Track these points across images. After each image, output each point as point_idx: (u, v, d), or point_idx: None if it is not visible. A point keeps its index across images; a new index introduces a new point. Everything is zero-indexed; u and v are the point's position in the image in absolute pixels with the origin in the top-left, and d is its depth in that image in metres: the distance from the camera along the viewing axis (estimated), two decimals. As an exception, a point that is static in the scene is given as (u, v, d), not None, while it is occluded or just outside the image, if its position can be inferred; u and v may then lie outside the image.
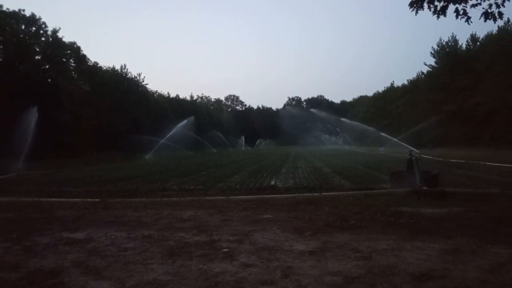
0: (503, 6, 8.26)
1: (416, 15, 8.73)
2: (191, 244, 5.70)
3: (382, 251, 5.15)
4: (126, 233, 6.50)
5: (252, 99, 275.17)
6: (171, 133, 61.08)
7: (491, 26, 74.30)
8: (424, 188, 10.50)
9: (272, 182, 16.68)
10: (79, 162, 36.24)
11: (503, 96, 45.35)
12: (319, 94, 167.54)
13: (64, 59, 50.96)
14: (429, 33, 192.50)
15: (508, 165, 21.28)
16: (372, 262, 4.67)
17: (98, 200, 10.67)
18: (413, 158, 11.94)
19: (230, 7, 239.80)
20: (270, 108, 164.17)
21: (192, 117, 76.38)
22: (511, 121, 44.14)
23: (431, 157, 32.58)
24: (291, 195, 11.15)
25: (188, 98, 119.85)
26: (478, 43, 58.64)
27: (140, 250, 5.39)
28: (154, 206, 9.56)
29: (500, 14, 8.36)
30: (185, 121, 69.73)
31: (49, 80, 47.93)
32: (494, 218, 7.13)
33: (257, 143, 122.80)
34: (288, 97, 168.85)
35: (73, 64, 53.72)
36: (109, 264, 4.80)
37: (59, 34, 49.04)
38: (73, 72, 54.34)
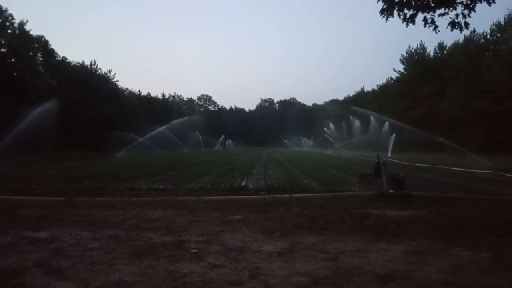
0: (469, 16, 8.54)
1: (386, 22, 8.93)
2: (159, 244, 5.64)
3: (349, 252, 5.26)
4: (92, 232, 6.37)
5: (225, 99, 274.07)
6: (165, 126, 59.99)
7: (458, 36, 77.10)
8: (391, 191, 10.74)
9: (243, 183, 16.66)
10: (44, 159, 35.14)
11: (467, 103, 47.11)
12: (292, 96, 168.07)
13: (31, 53, 49.39)
14: (400, 39, 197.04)
15: (471, 170, 22.08)
16: (339, 263, 4.77)
17: (63, 198, 10.38)
18: (380, 161, 12.22)
19: (205, 5, 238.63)
20: (243, 109, 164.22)
21: (195, 116, 75.18)
22: (474, 128, 45.89)
23: (399, 161, 33.42)
24: (262, 196, 11.16)
25: (160, 96, 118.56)
26: (445, 52, 60.65)
27: (106, 250, 5.30)
28: (121, 205, 9.38)
29: (466, 24, 8.63)
30: (185, 118, 68.34)
31: (15, 74, 46.27)
32: (456, 221, 7.39)
33: (226, 143, 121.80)
34: (261, 99, 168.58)
35: (40, 58, 52.14)
36: (73, 264, 4.69)
37: (27, 27, 47.62)
38: (40, 67, 52.70)
